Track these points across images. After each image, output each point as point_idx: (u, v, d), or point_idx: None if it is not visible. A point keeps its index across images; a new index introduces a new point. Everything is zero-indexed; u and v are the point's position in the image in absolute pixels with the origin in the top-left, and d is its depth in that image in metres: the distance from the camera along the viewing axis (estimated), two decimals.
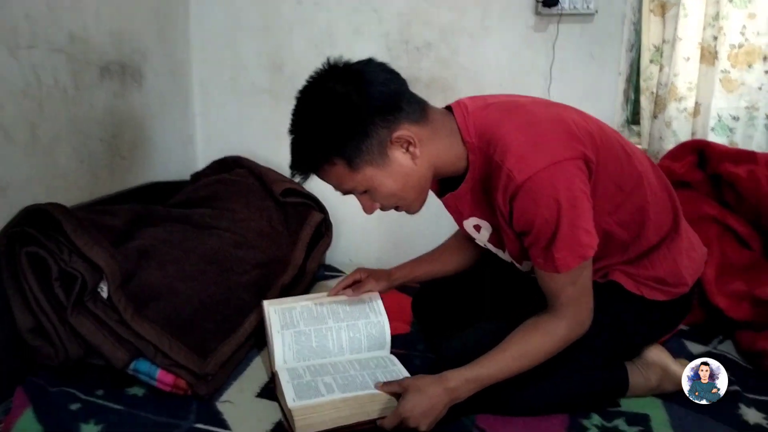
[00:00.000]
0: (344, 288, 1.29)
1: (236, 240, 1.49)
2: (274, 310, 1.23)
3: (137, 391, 1.16)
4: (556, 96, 1.74)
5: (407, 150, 1.01)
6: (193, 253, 1.36)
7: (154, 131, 1.79)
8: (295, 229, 1.71)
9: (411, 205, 1.08)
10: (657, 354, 1.20)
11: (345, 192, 1.05)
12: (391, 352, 1.27)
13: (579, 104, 1.71)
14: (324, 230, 1.79)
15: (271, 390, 1.19)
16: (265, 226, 1.63)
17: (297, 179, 1.05)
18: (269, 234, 1.62)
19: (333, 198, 1.19)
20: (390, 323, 1.48)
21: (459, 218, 1.17)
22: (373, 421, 1.06)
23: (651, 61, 1.69)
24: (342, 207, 1.62)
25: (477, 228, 1.15)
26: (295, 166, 1.03)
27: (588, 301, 1.05)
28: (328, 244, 1.80)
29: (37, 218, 1.18)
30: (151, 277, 1.24)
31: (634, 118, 1.80)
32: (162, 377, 1.14)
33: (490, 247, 1.19)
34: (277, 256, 1.57)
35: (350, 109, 0.96)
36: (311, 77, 1.02)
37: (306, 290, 1.67)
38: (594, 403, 1.16)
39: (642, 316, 1.14)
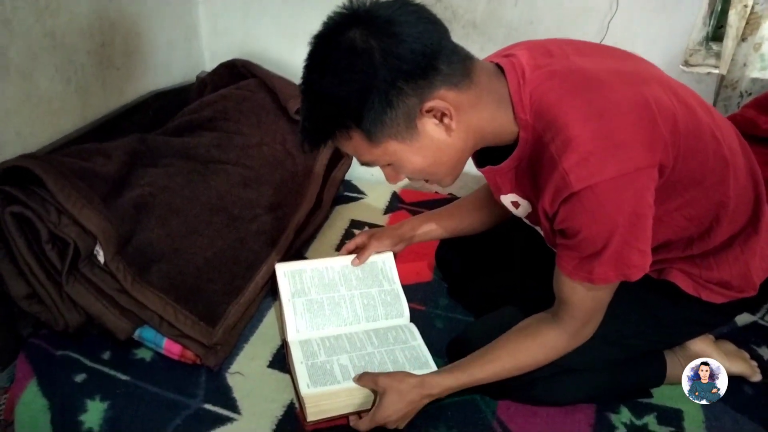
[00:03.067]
0: (348, 254, 1.18)
1: (245, 177, 1.35)
2: (283, 273, 1.14)
3: (144, 354, 1.12)
4: (625, 5, 1.44)
5: (441, 121, 0.81)
6: (196, 201, 1.23)
7: (152, 29, 1.55)
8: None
9: (441, 180, 0.91)
10: (701, 346, 1.10)
11: (364, 164, 0.88)
12: (410, 307, 1.19)
13: (653, 15, 1.44)
14: (343, 153, 1.62)
15: (282, 357, 1.13)
16: (279, 151, 1.47)
17: (305, 149, 0.88)
18: (283, 162, 1.47)
19: None
20: (411, 266, 1.40)
21: (497, 192, 1.01)
22: None
23: None
24: None
25: (515, 204, 0.99)
26: (303, 134, 0.84)
27: (600, 318, 0.93)
28: (347, 166, 1.65)
29: (17, 172, 1.04)
30: (151, 235, 1.13)
31: (716, 34, 1.50)
32: (169, 346, 1.08)
33: (527, 222, 1.04)
34: (291, 189, 1.44)
35: (372, 72, 0.75)
36: (328, 20, 0.79)
37: (325, 219, 1.56)
38: (626, 395, 1.09)
39: (694, 318, 1.02)
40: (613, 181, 0.76)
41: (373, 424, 0.96)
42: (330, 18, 0.79)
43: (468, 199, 1.23)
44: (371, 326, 1.14)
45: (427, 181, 0.93)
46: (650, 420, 1.04)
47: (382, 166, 0.89)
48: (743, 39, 1.39)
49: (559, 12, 1.50)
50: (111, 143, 1.25)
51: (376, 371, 1.01)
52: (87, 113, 1.37)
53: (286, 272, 1.14)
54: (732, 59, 1.42)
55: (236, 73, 1.63)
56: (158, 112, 1.54)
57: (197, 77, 1.73)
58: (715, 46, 1.49)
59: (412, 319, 1.18)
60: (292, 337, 1.09)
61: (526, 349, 0.96)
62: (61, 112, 1.29)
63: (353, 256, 1.17)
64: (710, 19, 1.48)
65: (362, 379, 0.99)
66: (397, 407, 0.94)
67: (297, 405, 1.03)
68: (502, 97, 0.84)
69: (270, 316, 1.24)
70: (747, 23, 1.38)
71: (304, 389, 0.98)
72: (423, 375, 0.98)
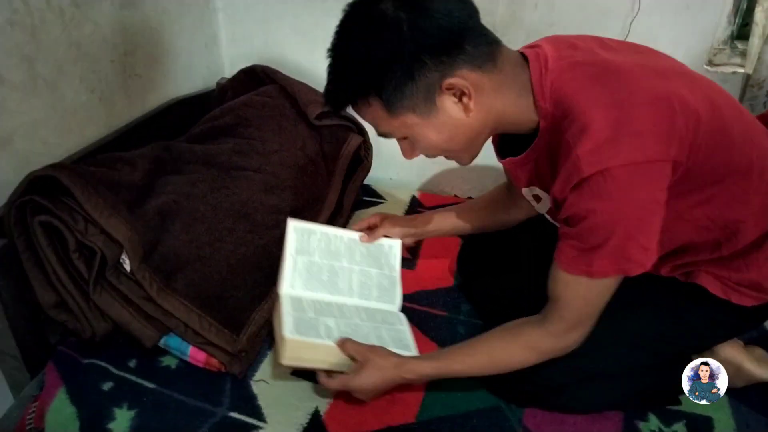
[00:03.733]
0: (359, 231, 1.21)
1: (267, 182, 1.35)
2: (293, 228, 1.16)
3: (170, 361, 1.12)
4: (647, 5, 1.42)
5: (460, 100, 0.83)
6: (220, 208, 1.23)
7: (173, 38, 1.57)
8: (332, 155, 1.56)
9: (458, 157, 0.93)
10: (731, 352, 1.08)
11: (381, 134, 0.90)
12: (432, 312, 1.19)
13: (676, 15, 1.42)
14: (363, 154, 1.62)
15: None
16: (300, 157, 1.48)
17: (326, 110, 0.90)
18: (304, 167, 1.47)
19: None
20: (433, 272, 1.40)
21: (518, 184, 1.01)
22: None
23: None
24: None
25: (537, 198, 0.99)
26: (327, 97, 0.87)
27: (591, 325, 0.91)
28: (367, 170, 1.65)
29: (45, 182, 1.05)
30: (176, 242, 1.14)
31: (741, 32, 1.47)
32: (194, 354, 1.09)
33: (548, 218, 1.03)
34: (312, 194, 1.44)
35: (397, 42, 0.77)
36: None
37: (345, 224, 1.56)
38: (655, 401, 1.07)
39: (723, 322, 1.00)
40: (624, 168, 0.75)
41: (343, 387, 0.98)
42: None
43: (483, 198, 1.26)
44: (361, 303, 1.15)
45: (447, 157, 0.94)
46: (679, 428, 1.03)
47: (399, 140, 0.91)
48: None
49: (580, 13, 1.48)
50: (135, 151, 1.26)
51: (360, 341, 1.02)
52: (111, 122, 1.38)
53: (296, 227, 1.16)
54: (758, 58, 1.40)
55: (256, 79, 1.64)
56: (180, 119, 1.56)
57: (217, 83, 1.74)
58: (740, 45, 1.46)
59: (434, 324, 1.19)
60: (285, 291, 1.10)
61: (507, 347, 0.95)
62: (86, 121, 1.31)
63: (363, 233, 1.20)
64: (735, 18, 1.45)
65: (346, 345, 1.00)
66: (372, 380, 0.96)
67: (275, 347, 1.03)
68: (524, 84, 0.85)
69: None
70: None
71: (288, 334, 0.98)
72: (404, 357, 0.99)
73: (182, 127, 1.54)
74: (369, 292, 1.17)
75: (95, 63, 1.31)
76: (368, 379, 0.96)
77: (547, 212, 1.00)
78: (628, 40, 1.45)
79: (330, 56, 0.84)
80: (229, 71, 1.79)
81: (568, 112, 0.80)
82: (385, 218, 1.22)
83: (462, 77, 0.80)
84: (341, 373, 1.00)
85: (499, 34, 1.53)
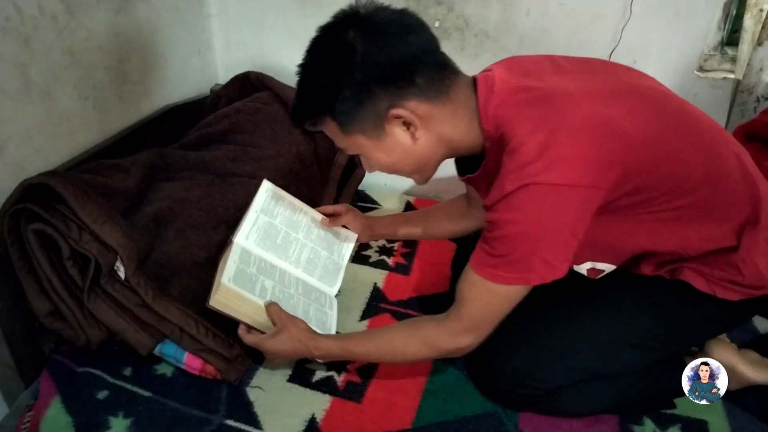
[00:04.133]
0: (323, 214, 1.26)
1: None
2: (266, 189, 1.21)
3: (165, 369, 1.12)
4: (639, 12, 1.43)
5: (408, 128, 0.87)
6: (214, 214, 1.23)
7: (166, 45, 1.57)
8: (327, 161, 1.56)
9: (411, 178, 0.98)
10: (725, 355, 1.08)
11: (339, 149, 0.96)
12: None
13: (666, 21, 1.44)
14: (357, 160, 1.62)
15: (301, 376, 1.13)
16: (295, 163, 1.48)
17: (293, 123, 0.98)
18: (298, 173, 1.47)
19: None
20: (427, 278, 1.41)
21: (482, 197, 1.03)
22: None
23: None
24: None
25: None
26: (291, 109, 0.93)
27: (486, 332, 0.93)
28: (361, 176, 1.65)
29: (38, 189, 1.05)
30: (170, 248, 1.14)
31: (731, 38, 1.49)
32: (189, 361, 1.08)
33: None
34: (307, 200, 1.44)
35: (347, 69, 0.82)
36: (337, 13, 0.86)
37: None
38: (650, 404, 1.08)
39: (711, 316, 1.00)
40: (541, 186, 0.78)
41: (256, 345, 1.04)
42: (340, 11, 0.86)
43: (441, 206, 1.30)
44: (303, 277, 1.20)
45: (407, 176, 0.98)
46: (675, 431, 1.03)
47: (358, 154, 0.95)
48: (759, 43, 1.39)
49: (572, 20, 1.50)
50: (129, 158, 1.26)
51: (287, 310, 1.06)
52: (105, 129, 1.38)
53: (269, 189, 1.21)
54: (748, 64, 1.42)
55: (250, 85, 1.64)
56: (174, 126, 1.55)
57: (211, 90, 1.74)
58: (730, 51, 1.48)
59: None
60: (238, 240, 1.14)
61: (406, 338, 0.99)
62: (80, 128, 1.30)
63: (325, 217, 1.25)
64: (725, 24, 1.46)
65: (270, 308, 1.05)
66: (283, 346, 1.02)
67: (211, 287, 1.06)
68: (473, 110, 0.89)
69: None
70: (763, 27, 1.37)
71: (225, 280, 1.03)
72: (316, 334, 1.05)
73: (176, 133, 1.53)
74: (313, 270, 1.21)
75: (89, 70, 1.31)
76: (280, 345, 1.02)
77: None
78: (620, 46, 1.47)
79: (297, 74, 0.89)
80: (223, 78, 1.79)
81: (505, 135, 0.83)
82: (350, 211, 1.26)
83: (409, 109, 0.85)
84: (261, 332, 1.05)
85: (491, 40, 1.57)
